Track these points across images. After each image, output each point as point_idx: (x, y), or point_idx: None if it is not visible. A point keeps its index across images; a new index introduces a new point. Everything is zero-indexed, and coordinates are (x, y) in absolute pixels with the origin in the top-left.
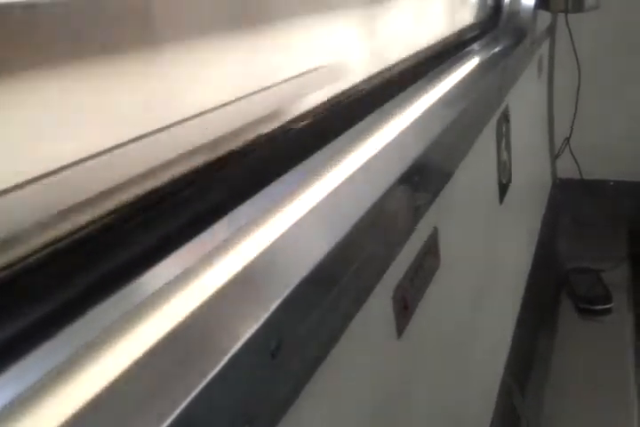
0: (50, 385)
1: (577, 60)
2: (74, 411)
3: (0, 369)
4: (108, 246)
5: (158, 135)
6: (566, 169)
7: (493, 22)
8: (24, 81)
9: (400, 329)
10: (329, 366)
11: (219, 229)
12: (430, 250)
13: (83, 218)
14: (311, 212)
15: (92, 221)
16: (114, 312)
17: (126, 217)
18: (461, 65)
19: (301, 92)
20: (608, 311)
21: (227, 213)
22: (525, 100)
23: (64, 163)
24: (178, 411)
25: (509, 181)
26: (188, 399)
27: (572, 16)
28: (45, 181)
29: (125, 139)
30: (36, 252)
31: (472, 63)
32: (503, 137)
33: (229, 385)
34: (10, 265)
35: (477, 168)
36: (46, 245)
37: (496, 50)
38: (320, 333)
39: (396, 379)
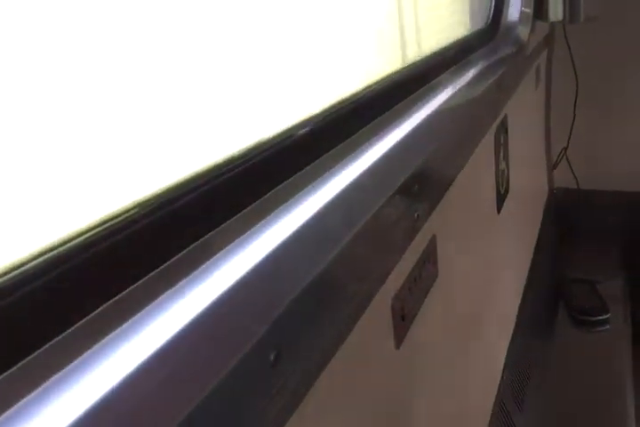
0: (53, 390)
1: (574, 70)
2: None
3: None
4: (108, 254)
5: None
6: (563, 179)
7: (492, 33)
8: None
9: (398, 339)
10: (328, 377)
11: (216, 240)
12: (429, 259)
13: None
14: (310, 221)
15: (91, 229)
16: (111, 323)
17: (123, 226)
18: (460, 75)
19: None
20: (605, 322)
21: (224, 223)
22: (523, 110)
23: None
24: (177, 423)
25: (507, 190)
26: (187, 411)
27: (569, 26)
28: None
29: None
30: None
31: (471, 74)
32: (501, 147)
33: (228, 397)
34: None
35: (476, 178)
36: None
37: (494, 60)
38: (319, 343)
39: (395, 389)
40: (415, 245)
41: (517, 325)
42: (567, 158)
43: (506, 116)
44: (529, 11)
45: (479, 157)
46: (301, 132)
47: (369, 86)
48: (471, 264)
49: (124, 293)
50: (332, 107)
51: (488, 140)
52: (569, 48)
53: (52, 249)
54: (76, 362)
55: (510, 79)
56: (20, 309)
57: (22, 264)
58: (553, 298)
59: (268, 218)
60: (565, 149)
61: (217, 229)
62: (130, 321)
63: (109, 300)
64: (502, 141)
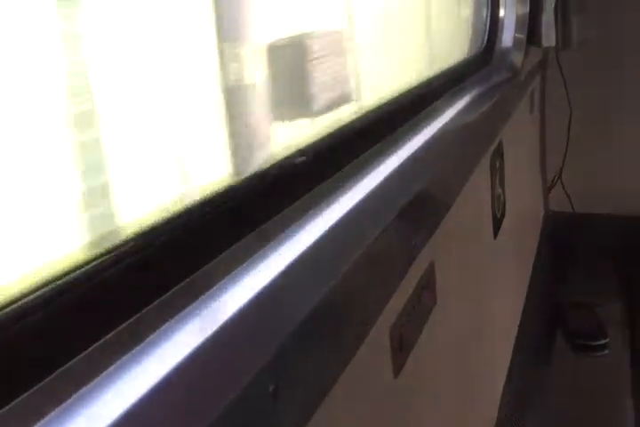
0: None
1: (567, 94)
2: None
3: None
4: (103, 289)
5: None
6: (558, 202)
7: (486, 58)
8: None
9: (397, 368)
10: (327, 407)
11: (214, 271)
12: (427, 286)
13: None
14: (307, 251)
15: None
16: (112, 356)
17: (123, 257)
18: (455, 101)
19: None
20: (603, 347)
21: (221, 254)
22: (518, 134)
23: None
24: None
25: (503, 214)
26: None
27: (562, 51)
28: None
29: None
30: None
31: (466, 99)
32: (497, 172)
33: None
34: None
35: (472, 203)
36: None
37: (489, 86)
38: (317, 374)
39: (394, 417)
40: (413, 271)
41: (516, 350)
42: (562, 182)
43: (501, 142)
44: (522, 36)
45: (475, 182)
46: (298, 160)
47: (365, 114)
48: (469, 290)
49: (123, 325)
50: (329, 135)
51: (484, 166)
52: (561, 73)
53: (52, 281)
54: (70, 400)
55: (505, 104)
56: (17, 343)
57: (21, 298)
58: (551, 322)
59: (265, 248)
60: (560, 172)
61: (214, 261)
62: (129, 354)
63: (108, 333)
64: (498, 166)
